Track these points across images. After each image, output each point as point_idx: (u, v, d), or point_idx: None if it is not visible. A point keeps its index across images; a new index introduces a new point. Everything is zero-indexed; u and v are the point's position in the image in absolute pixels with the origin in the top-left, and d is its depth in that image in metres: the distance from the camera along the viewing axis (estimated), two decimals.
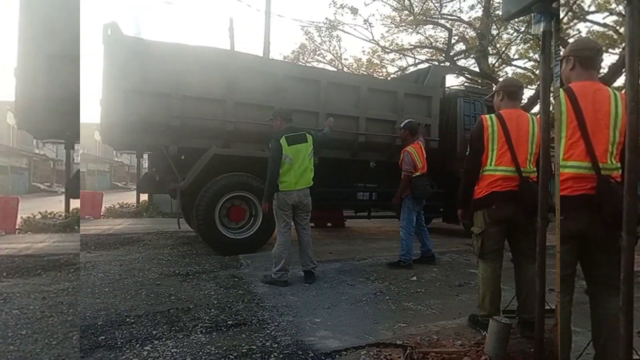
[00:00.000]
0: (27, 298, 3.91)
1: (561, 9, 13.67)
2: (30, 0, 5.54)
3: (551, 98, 2.29)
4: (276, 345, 2.81)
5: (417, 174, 5.41)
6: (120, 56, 5.39)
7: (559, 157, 2.19)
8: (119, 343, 2.83)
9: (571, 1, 13.43)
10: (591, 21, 14.46)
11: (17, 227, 8.83)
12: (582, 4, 13.88)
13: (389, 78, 15.78)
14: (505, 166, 2.97)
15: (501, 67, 17.95)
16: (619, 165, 2.19)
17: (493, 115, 3.10)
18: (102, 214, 12.61)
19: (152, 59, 5.52)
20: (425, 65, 15.86)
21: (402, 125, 5.83)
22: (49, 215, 9.64)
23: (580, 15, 13.95)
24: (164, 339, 2.89)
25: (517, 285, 3.11)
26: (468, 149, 3.19)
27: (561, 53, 2.42)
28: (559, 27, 2.38)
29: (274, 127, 4.75)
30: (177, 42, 6.73)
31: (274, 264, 4.44)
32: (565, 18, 14.19)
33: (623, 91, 2.05)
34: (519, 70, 17.83)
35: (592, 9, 14.06)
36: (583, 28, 15.89)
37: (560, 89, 2.24)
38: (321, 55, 18.69)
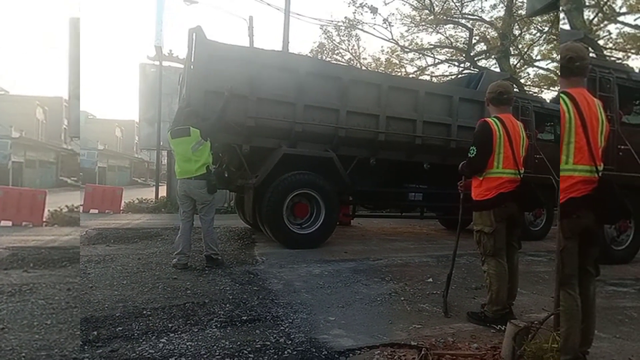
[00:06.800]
0: (53, 289, 4.01)
1: (591, 10, 13.35)
2: None
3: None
4: (290, 342, 2.82)
5: None
6: (203, 59, 5.73)
7: (564, 161, 2.34)
8: (135, 334, 2.88)
9: (602, 2, 13.02)
10: (622, 22, 14.03)
11: (44, 219, 9.03)
12: (614, 5, 13.45)
13: (411, 76, 15.64)
14: (511, 169, 3.20)
15: (523, 68, 17.62)
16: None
17: (496, 119, 3.26)
18: (121, 208, 12.85)
19: (231, 62, 5.85)
20: (445, 65, 15.70)
21: None
22: (75, 209, 9.88)
23: (611, 16, 13.53)
24: (179, 332, 2.93)
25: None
26: (473, 151, 3.26)
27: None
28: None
29: None
30: (254, 47, 7.06)
31: (174, 248, 5.07)
32: (596, 19, 13.78)
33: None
34: (541, 71, 17.49)
35: (624, 10, 13.61)
36: (614, 30, 15.43)
37: (564, 95, 2.38)
38: (340, 55, 18.65)
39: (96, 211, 12.12)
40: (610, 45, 15.15)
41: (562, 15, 12.03)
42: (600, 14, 13.47)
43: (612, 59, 14.00)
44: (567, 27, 11.56)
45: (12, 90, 31.75)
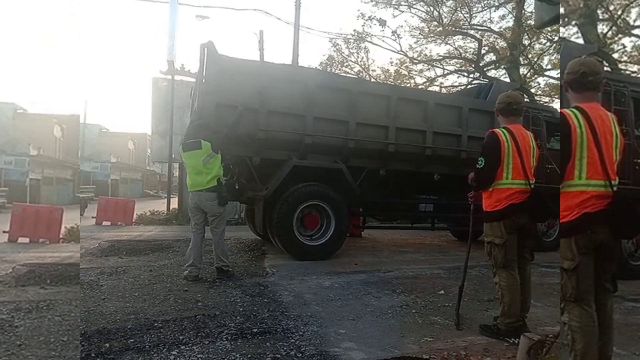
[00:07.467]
0: (69, 305, 4.02)
1: (605, 23, 13.29)
2: None
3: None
4: (300, 354, 2.81)
5: None
6: (215, 73, 5.85)
7: (577, 176, 2.30)
8: (147, 347, 2.89)
9: (615, 15, 12.93)
10: (637, 36, 13.89)
11: (61, 236, 9.10)
12: (628, 18, 13.34)
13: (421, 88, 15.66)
14: (520, 179, 3.19)
15: (533, 78, 17.52)
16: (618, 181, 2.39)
17: (504, 129, 3.26)
18: (133, 220, 12.98)
19: (242, 76, 5.95)
20: (455, 76, 15.67)
21: None
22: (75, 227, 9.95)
23: (625, 29, 13.42)
24: (190, 345, 2.94)
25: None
26: (481, 162, 3.26)
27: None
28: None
29: None
30: (264, 61, 7.14)
31: (185, 260, 5.13)
32: (610, 32, 13.70)
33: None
34: (551, 81, 17.36)
35: (638, 23, 13.48)
36: (628, 43, 15.25)
37: (576, 110, 2.34)
38: (349, 67, 18.76)
39: (109, 223, 12.27)
40: (625, 58, 15.04)
41: (575, 29, 12.00)
42: (614, 28, 13.37)
43: (627, 72, 13.87)
44: (580, 41, 11.52)
45: (31, 109, 32.37)
